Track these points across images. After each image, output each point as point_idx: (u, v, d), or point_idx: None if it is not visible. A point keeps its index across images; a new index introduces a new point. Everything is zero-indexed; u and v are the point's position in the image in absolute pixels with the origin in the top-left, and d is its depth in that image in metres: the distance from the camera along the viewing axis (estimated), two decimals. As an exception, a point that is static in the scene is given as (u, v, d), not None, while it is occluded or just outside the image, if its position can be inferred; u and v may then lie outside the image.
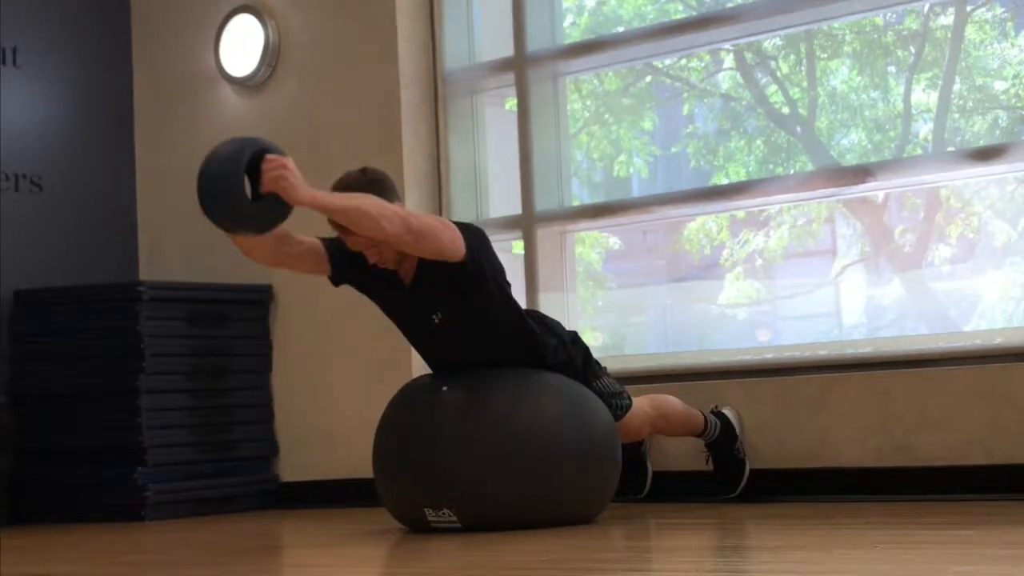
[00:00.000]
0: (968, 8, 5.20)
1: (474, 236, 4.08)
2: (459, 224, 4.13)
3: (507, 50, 5.55)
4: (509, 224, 5.48)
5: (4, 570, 3.79)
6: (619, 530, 4.05)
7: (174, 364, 5.53)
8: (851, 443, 4.66)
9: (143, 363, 5.41)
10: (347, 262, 4.15)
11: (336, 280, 4.25)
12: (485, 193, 5.68)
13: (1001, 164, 4.69)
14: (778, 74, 5.63)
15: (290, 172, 3.76)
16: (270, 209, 3.80)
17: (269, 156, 3.77)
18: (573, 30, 5.86)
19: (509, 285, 4.22)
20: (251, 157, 3.76)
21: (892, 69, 5.47)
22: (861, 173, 4.92)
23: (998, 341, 4.58)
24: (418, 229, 3.93)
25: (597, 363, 4.40)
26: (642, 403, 4.48)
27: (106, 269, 6.02)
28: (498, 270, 4.15)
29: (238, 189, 3.73)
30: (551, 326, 4.34)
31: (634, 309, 6.00)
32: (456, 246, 4.00)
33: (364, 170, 4.14)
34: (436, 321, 4.14)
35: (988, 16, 5.24)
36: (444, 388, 4.13)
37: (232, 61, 5.99)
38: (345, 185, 4.08)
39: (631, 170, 5.95)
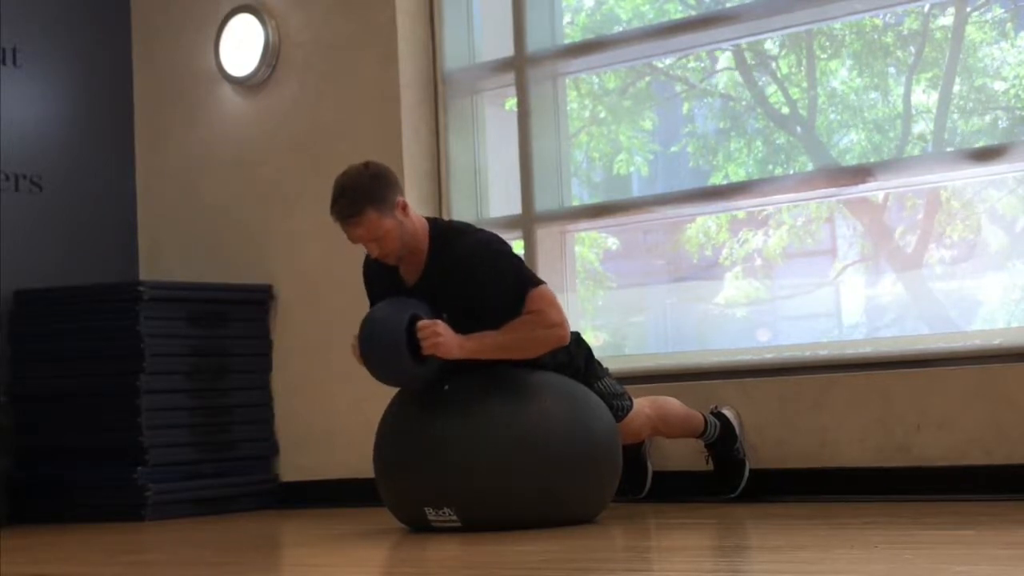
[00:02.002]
0: (968, 8, 5.20)
1: (516, 263, 4.22)
2: (471, 229, 4.24)
3: (507, 50, 5.55)
4: (509, 224, 5.48)
5: (4, 570, 3.79)
6: (619, 530, 4.05)
7: (174, 364, 5.53)
8: (851, 443, 4.66)
9: (143, 363, 5.41)
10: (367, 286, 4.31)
11: None
12: (485, 193, 5.68)
13: (1001, 164, 4.69)
14: (778, 74, 5.63)
15: (443, 337, 4.02)
16: (430, 367, 4.10)
17: (421, 324, 4.04)
18: (571, 30, 5.86)
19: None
20: (408, 325, 4.06)
21: (892, 69, 5.47)
22: (861, 173, 4.92)
23: (998, 341, 4.58)
24: (561, 340, 4.15)
25: (599, 364, 4.40)
26: (642, 405, 4.48)
27: (106, 269, 6.02)
28: (525, 269, 4.26)
29: (405, 359, 4.06)
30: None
31: (634, 309, 6.00)
32: (551, 293, 4.19)
33: (367, 164, 4.17)
34: (443, 320, 4.14)
35: (988, 16, 5.24)
36: (445, 388, 4.14)
37: (232, 61, 5.99)
38: (349, 179, 4.11)
39: (631, 170, 5.95)
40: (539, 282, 4.16)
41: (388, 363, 4.10)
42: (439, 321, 4.04)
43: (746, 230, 5.70)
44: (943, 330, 5.13)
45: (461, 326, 4.12)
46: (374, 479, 4.28)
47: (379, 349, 4.08)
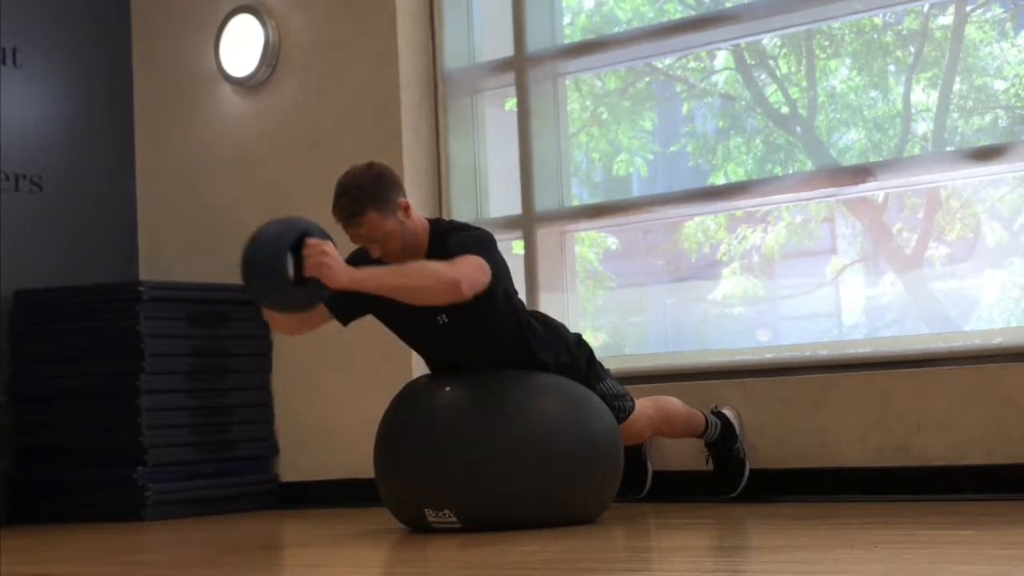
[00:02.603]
0: (968, 8, 5.20)
1: (488, 248, 4.10)
2: (469, 228, 4.17)
3: (507, 50, 5.55)
4: (509, 224, 5.48)
5: (4, 570, 3.79)
6: (619, 530, 4.05)
7: (174, 364, 5.53)
8: (851, 443, 4.66)
9: (143, 363, 5.41)
10: (348, 301, 4.17)
11: (344, 321, 4.31)
12: (485, 193, 5.68)
13: (1000, 164, 4.69)
14: (777, 74, 5.63)
15: (330, 258, 3.87)
16: (311, 292, 3.92)
17: (310, 241, 3.88)
18: (571, 30, 5.86)
19: (513, 287, 4.23)
20: (294, 241, 3.88)
21: (892, 69, 5.47)
22: (860, 173, 4.92)
23: (998, 341, 4.58)
24: (467, 291, 3.97)
25: (600, 366, 4.40)
26: (644, 405, 4.48)
27: (106, 269, 6.02)
28: (503, 272, 4.16)
29: (282, 273, 3.86)
30: (555, 328, 4.34)
31: (634, 309, 6.00)
32: (488, 279, 4.04)
33: (370, 165, 4.16)
34: (441, 322, 4.14)
35: (988, 16, 5.24)
36: (447, 388, 4.13)
37: (232, 61, 5.99)
38: (352, 179, 4.11)
39: (630, 170, 5.96)
40: (485, 257, 4.04)
41: (264, 278, 3.89)
42: (329, 242, 3.91)
43: (744, 227, 5.70)
44: (943, 330, 5.13)
45: (459, 326, 4.12)
46: (374, 479, 4.28)
47: (258, 262, 3.88)
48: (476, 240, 4.11)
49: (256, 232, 3.94)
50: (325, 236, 3.94)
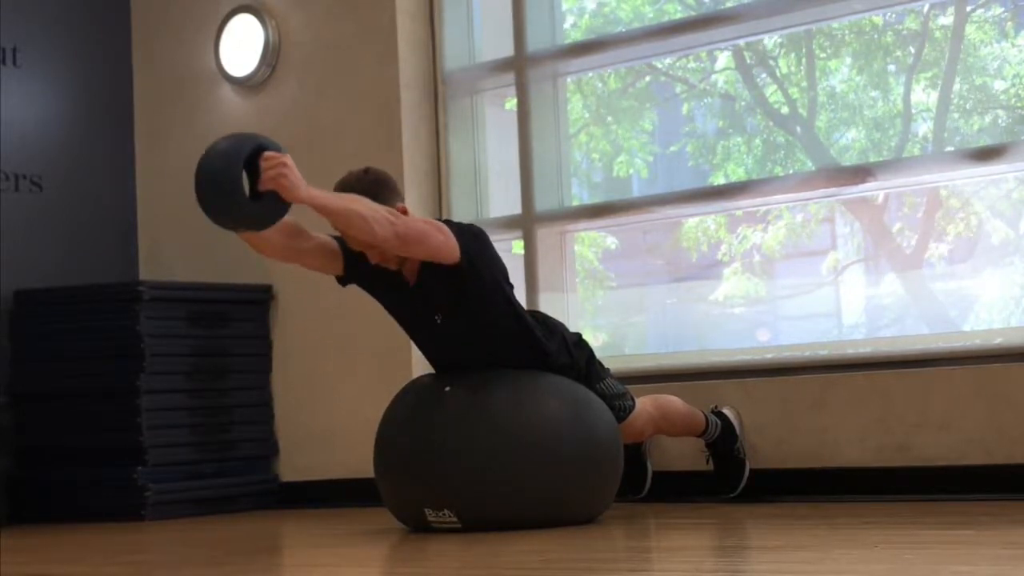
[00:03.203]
0: (968, 8, 5.20)
1: (472, 238, 4.07)
2: (457, 225, 4.14)
3: (507, 50, 5.55)
4: (509, 224, 5.48)
5: (4, 570, 3.79)
6: (619, 530, 4.05)
7: (174, 364, 5.53)
8: (851, 443, 4.66)
9: (143, 363, 5.41)
10: (358, 262, 4.15)
11: (345, 280, 4.24)
12: (485, 193, 5.68)
13: (1001, 164, 4.69)
14: (777, 74, 5.63)
15: (289, 170, 3.76)
16: (268, 207, 3.79)
17: (267, 153, 3.77)
18: (573, 31, 5.86)
19: (511, 286, 4.22)
20: (249, 154, 3.75)
21: (892, 69, 5.47)
22: (860, 173, 4.92)
23: (998, 341, 4.58)
24: (405, 234, 3.92)
25: (600, 365, 4.40)
26: (645, 404, 4.48)
27: (106, 269, 6.02)
28: (499, 271, 4.15)
29: (236, 186, 3.71)
30: (554, 327, 4.34)
31: (634, 309, 6.00)
32: (449, 248, 3.99)
33: (367, 170, 4.15)
34: (438, 322, 4.14)
35: (988, 16, 5.23)
36: (446, 388, 4.13)
37: (232, 61, 5.99)
38: (348, 185, 4.09)
39: (630, 170, 5.96)
40: (451, 231, 4.01)
41: (218, 193, 3.70)
42: (288, 155, 3.79)
43: (744, 226, 5.71)
44: (943, 330, 5.13)
45: (457, 325, 4.12)
46: (374, 479, 4.28)
47: (212, 178, 3.70)
48: (461, 227, 4.10)
49: (209, 147, 3.79)
50: (280, 150, 3.81)
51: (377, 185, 4.09)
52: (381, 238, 3.91)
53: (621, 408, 4.35)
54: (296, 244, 4.09)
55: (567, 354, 4.27)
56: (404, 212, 4.09)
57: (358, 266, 4.16)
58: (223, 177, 3.70)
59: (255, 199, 3.75)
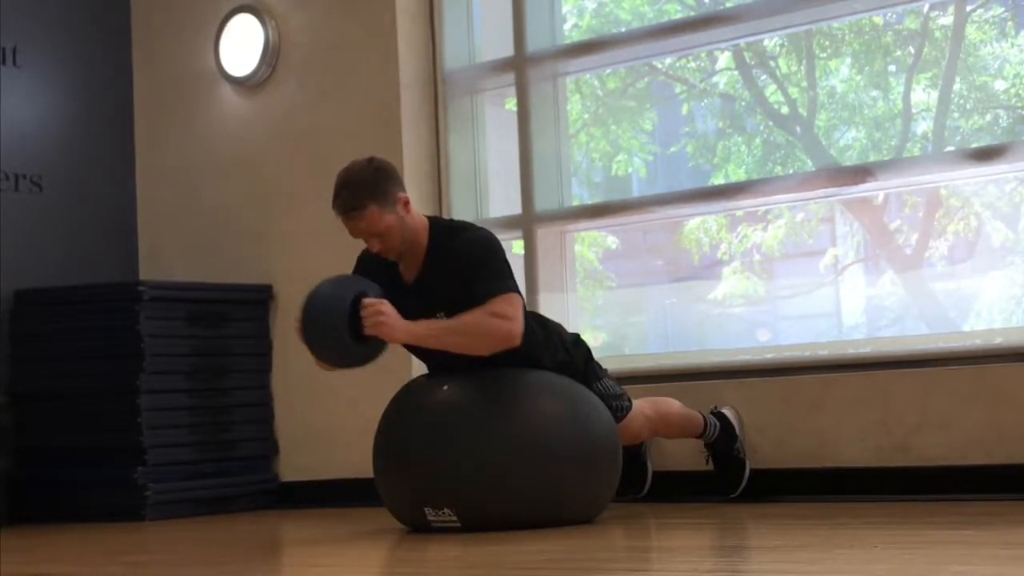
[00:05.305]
0: (968, 8, 5.20)
1: (501, 261, 4.14)
2: (470, 228, 4.21)
3: (507, 50, 5.55)
4: (509, 224, 5.48)
5: (4, 570, 3.79)
6: (619, 530, 4.05)
7: (174, 364, 5.53)
8: (851, 443, 4.66)
9: (143, 363, 5.41)
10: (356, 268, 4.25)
11: None
12: (485, 193, 5.68)
13: (1000, 164, 4.69)
14: (777, 74, 5.64)
15: (387, 316, 4.01)
16: (371, 348, 4.11)
17: (366, 301, 4.02)
18: (574, 32, 5.86)
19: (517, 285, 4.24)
20: (352, 303, 4.02)
21: (892, 68, 5.48)
22: (860, 173, 4.92)
23: (998, 341, 4.58)
24: (518, 331, 4.05)
25: (598, 365, 4.40)
26: (642, 406, 4.48)
27: (106, 269, 6.02)
28: (509, 276, 4.18)
29: (344, 336, 4.03)
30: (552, 328, 4.34)
31: (634, 309, 6.00)
32: (522, 305, 4.12)
33: (371, 160, 4.18)
34: (439, 320, 4.14)
35: (988, 16, 5.24)
36: (444, 388, 4.13)
37: (232, 61, 5.99)
38: (352, 175, 4.13)
39: (630, 170, 5.96)
40: (513, 288, 4.12)
41: (327, 338, 4.07)
42: (384, 301, 4.04)
43: (744, 226, 5.71)
44: (943, 330, 5.13)
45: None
46: (374, 479, 4.28)
47: (319, 324, 4.06)
48: (494, 265, 4.13)
49: (312, 294, 4.09)
50: (379, 294, 4.07)
51: (379, 175, 4.12)
52: (491, 351, 4.07)
53: (618, 409, 4.35)
54: None
55: (564, 353, 4.27)
56: (406, 203, 4.14)
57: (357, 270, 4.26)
58: (333, 326, 4.03)
59: (358, 342, 4.05)
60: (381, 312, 4.01)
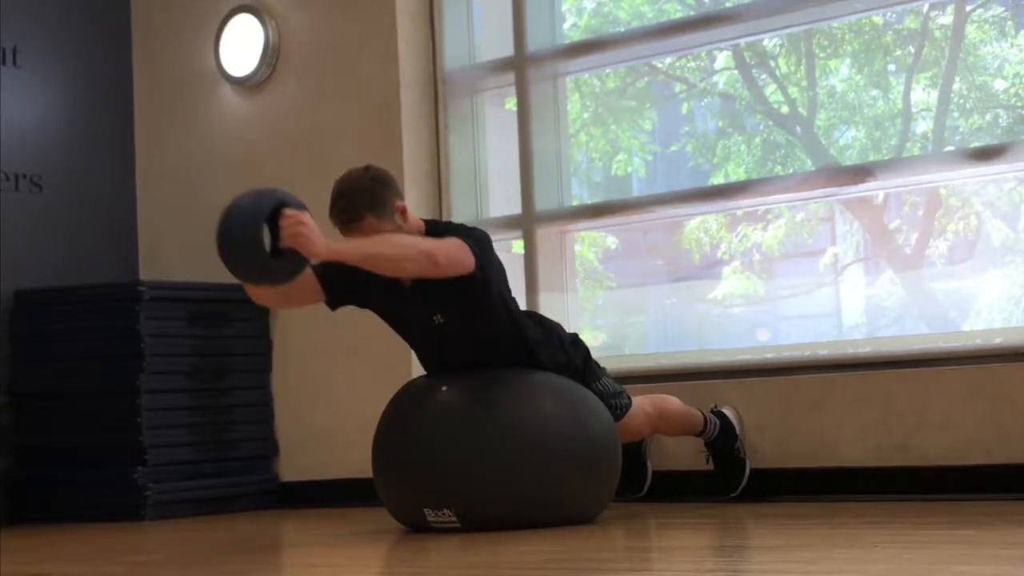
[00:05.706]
0: (968, 7, 5.20)
1: (480, 244, 4.08)
2: (463, 228, 4.14)
3: (507, 50, 5.55)
4: (509, 224, 5.48)
5: (4, 570, 3.79)
6: (619, 530, 4.06)
7: (174, 364, 5.53)
8: (851, 443, 4.66)
9: (143, 363, 5.41)
10: (343, 283, 4.17)
11: (333, 304, 4.28)
12: (485, 193, 5.68)
13: (1000, 164, 4.69)
14: (777, 73, 5.64)
15: (308, 228, 3.82)
16: (288, 263, 3.88)
17: (287, 211, 3.83)
18: (573, 31, 5.86)
19: (508, 287, 4.23)
20: (270, 211, 3.82)
21: (892, 68, 5.48)
22: (860, 173, 4.92)
23: (998, 341, 4.58)
24: (445, 264, 3.95)
25: (597, 364, 4.40)
26: (642, 403, 4.48)
27: (106, 269, 6.02)
28: (499, 273, 4.16)
29: (259, 244, 3.80)
30: (551, 327, 4.34)
31: (634, 309, 6.00)
32: (470, 263, 4.02)
33: (368, 168, 4.15)
34: (437, 322, 4.14)
35: (988, 15, 5.24)
36: (443, 388, 4.13)
37: (232, 61, 5.99)
38: (348, 183, 4.10)
39: (630, 169, 5.96)
40: (471, 243, 4.03)
41: (241, 252, 3.82)
42: (307, 212, 3.87)
43: (744, 225, 5.71)
44: (943, 330, 5.13)
45: (457, 325, 4.12)
46: (374, 479, 4.28)
47: (234, 236, 3.81)
48: (468, 232, 4.11)
49: (230, 204, 3.88)
50: (301, 206, 3.88)
51: (376, 184, 4.09)
52: (416, 273, 3.96)
53: (617, 407, 4.35)
54: (285, 289, 4.11)
55: (563, 353, 4.27)
56: (404, 211, 4.10)
57: (346, 286, 4.18)
58: (244, 236, 3.80)
59: (276, 256, 3.84)
60: (302, 223, 3.81)
